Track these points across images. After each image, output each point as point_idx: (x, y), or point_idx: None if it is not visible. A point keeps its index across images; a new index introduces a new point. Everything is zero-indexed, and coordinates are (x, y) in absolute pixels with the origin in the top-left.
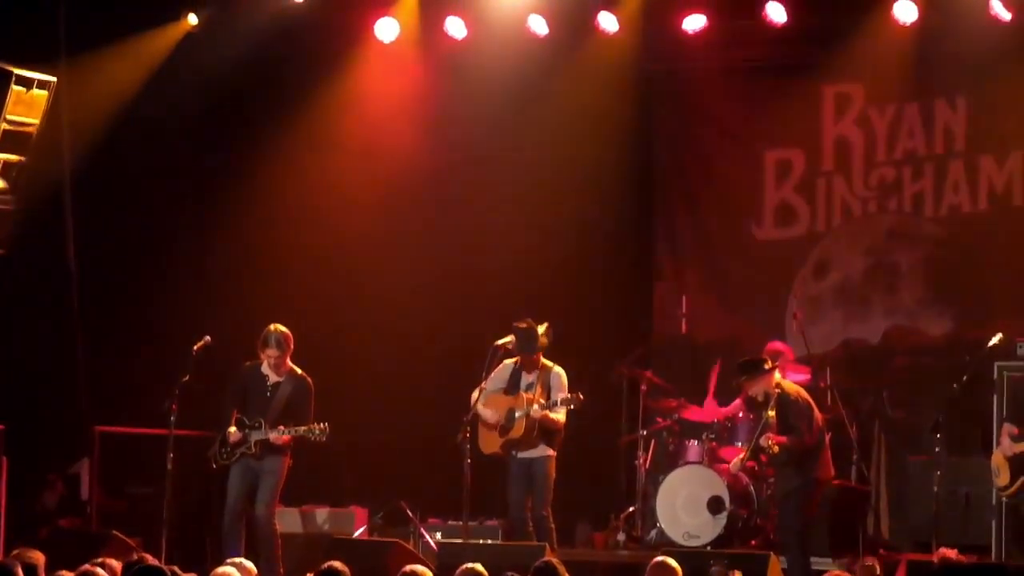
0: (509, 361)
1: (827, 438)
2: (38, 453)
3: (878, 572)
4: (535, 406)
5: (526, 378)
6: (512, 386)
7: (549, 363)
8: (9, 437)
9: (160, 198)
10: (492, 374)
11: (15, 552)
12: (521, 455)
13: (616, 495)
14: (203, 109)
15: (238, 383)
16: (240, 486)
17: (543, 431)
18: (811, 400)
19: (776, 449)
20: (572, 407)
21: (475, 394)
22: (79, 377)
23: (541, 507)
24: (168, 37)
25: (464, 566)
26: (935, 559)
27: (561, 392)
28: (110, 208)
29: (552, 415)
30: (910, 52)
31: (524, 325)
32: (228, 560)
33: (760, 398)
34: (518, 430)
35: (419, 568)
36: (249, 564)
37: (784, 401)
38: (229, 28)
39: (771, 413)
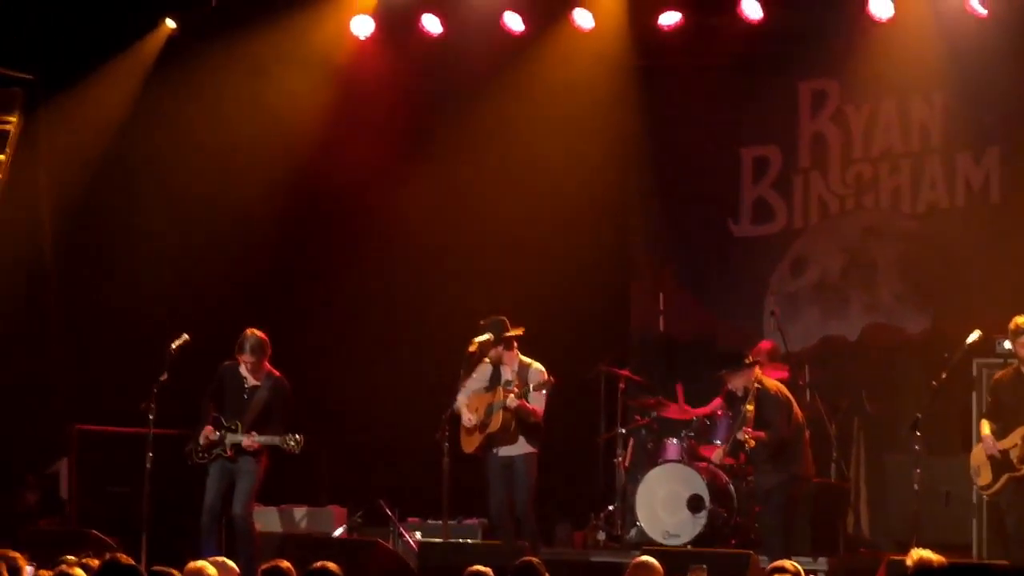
0: (487, 362)
1: (807, 435)
2: (17, 453)
3: None
4: (511, 396)
5: (505, 373)
6: (493, 382)
7: (528, 359)
8: None
9: (136, 194)
10: (474, 373)
11: None
12: (501, 452)
13: (595, 494)
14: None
15: (216, 382)
16: (217, 486)
17: (522, 424)
18: (791, 396)
19: (752, 443)
20: (545, 391)
21: (459, 395)
22: (57, 376)
23: (523, 506)
24: (150, 46)
25: (471, 568)
26: (908, 560)
27: (538, 387)
28: (87, 205)
29: (530, 404)
30: (886, 48)
31: (492, 317)
32: (210, 558)
33: (740, 392)
34: (495, 423)
35: (483, 568)
36: (231, 564)
37: (763, 396)
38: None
39: (750, 407)
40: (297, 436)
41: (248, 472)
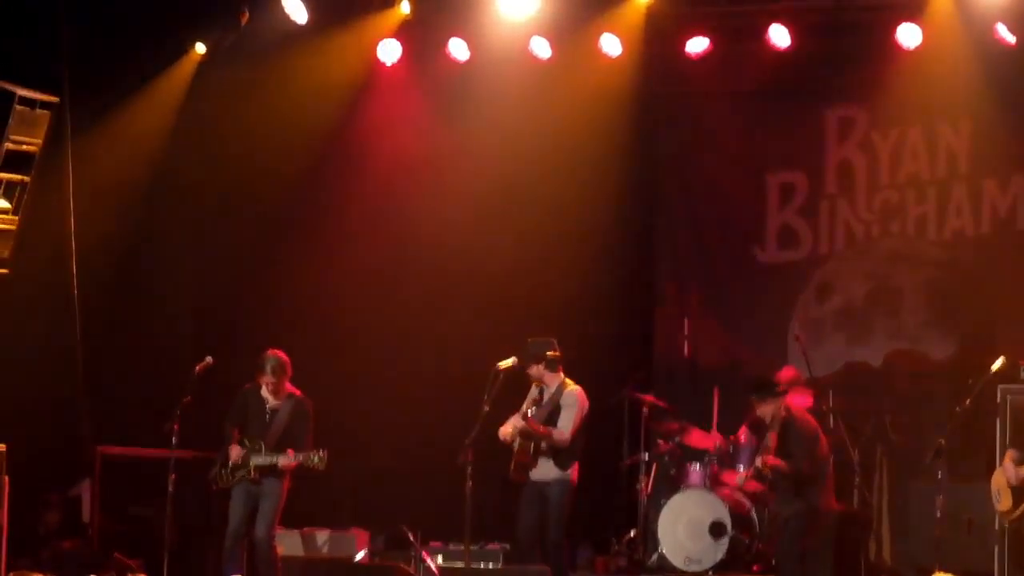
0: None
1: (831, 468)
2: (40, 474)
3: None
4: (517, 416)
5: (546, 396)
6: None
7: (570, 382)
8: (11, 457)
9: (162, 219)
10: (528, 396)
11: (12, 574)
12: (534, 477)
13: (617, 519)
14: (204, 129)
15: (239, 405)
16: (242, 509)
17: (552, 450)
18: (819, 428)
19: (767, 471)
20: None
21: (512, 419)
22: (80, 398)
23: (555, 532)
24: (181, 72)
25: None
26: None
27: (574, 410)
28: (112, 229)
29: (550, 430)
30: (914, 75)
31: (530, 339)
32: None
33: (767, 419)
34: (517, 447)
35: None
36: None
37: (788, 425)
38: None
39: (772, 435)
40: (321, 452)
41: (272, 494)
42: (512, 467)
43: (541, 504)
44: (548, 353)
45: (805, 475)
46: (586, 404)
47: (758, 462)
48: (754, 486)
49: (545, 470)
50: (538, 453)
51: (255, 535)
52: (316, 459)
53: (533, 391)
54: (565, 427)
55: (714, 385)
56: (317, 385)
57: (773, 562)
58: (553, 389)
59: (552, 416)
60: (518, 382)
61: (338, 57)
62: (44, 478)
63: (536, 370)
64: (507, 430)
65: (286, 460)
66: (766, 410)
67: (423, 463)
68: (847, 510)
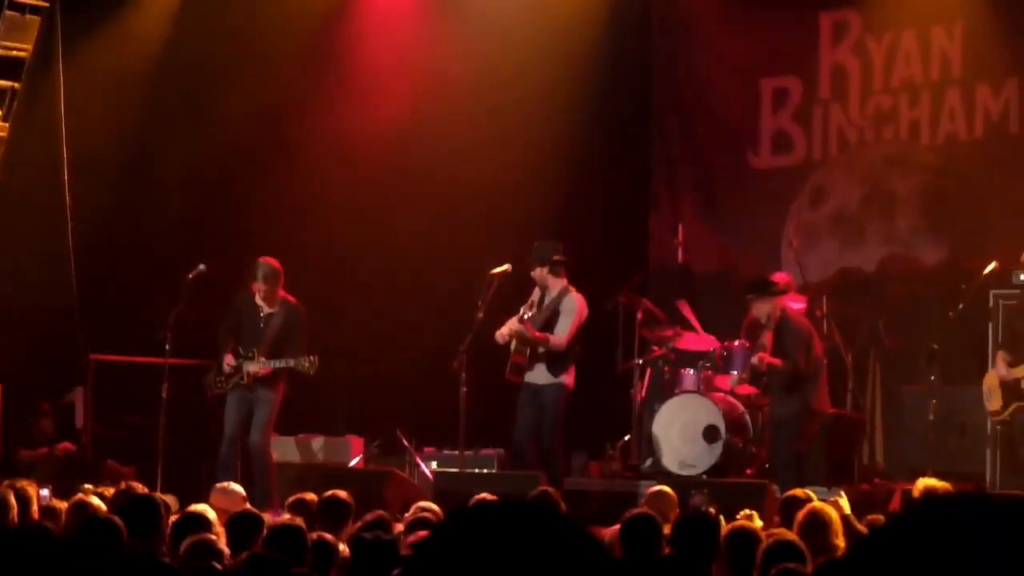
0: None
1: (825, 370)
2: (33, 382)
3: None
4: (513, 319)
5: (547, 298)
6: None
7: (572, 288)
8: (4, 366)
9: (155, 125)
10: (530, 300)
11: (6, 482)
12: (528, 379)
13: (612, 424)
14: (195, 36)
15: (233, 312)
16: (236, 416)
17: (541, 352)
18: (813, 330)
19: (764, 367)
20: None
21: (510, 321)
22: (73, 305)
23: (548, 438)
24: None
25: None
26: (915, 491)
27: (572, 316)
28: (105, 134)
29: (548, 335)
30: None
31: (537, 242)
32: (219, 484)
33: (763, 320)
34: (514, 349)
35: (491, 496)
36: (237, 487)
37: (784, 326)
38: None
39: (769, 334)
40: (312, 357)
41: (266, 400)
42: (508, 368)
43: (536, 407)
44: (554, 257)
45: (800, 374)
46: (585, 312)
47: (754, 359)
48: (746, 389)
49: (540, 374)
50: (534, 356)
51: (250, 440)
52: (307, 363)
53: (535, 294)
54: (562, 333)
55: (709, 295)
56: (311, 293)
57: (767, 464)
58: (555, 294)
59: (550, 321)
60: (519, 287)
61: None
62: (37, 386)
63: (539, 272)
64: (504, 332)
65: (257, 367)
66: (762, 309)
67: (418, 369)
68: (840, 413)
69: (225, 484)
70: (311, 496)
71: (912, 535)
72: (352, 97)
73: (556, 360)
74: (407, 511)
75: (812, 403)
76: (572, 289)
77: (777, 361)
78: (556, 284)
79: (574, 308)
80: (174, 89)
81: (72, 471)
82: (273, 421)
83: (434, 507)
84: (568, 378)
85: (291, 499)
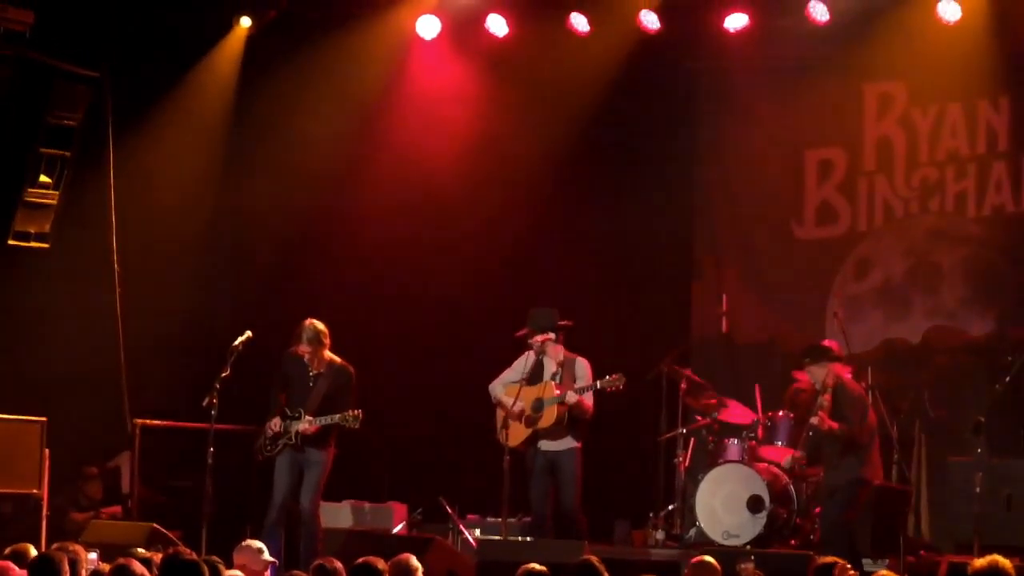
0: (530, 352)
1: (877, 440)
2: (80, 446)
3: None
4: (569, 392)
5: (550, 367)
6: (535, 376)
7: (572, 353)
8: (52, 430)
9: (200, 192)
10: (513, 365)
11: (57, 545)
12: (545, 447)
13: (655, 493)
14: (248, 103)
15: (282, 372)
16: (286, 480)
17: (572, 420)
18: (867, 398)
19: (825, 427)
20: (611, 390)
21: (494, 386)
22: (120, 371)
23: (570, 502)
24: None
25: (526, 566)
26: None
27: (586, 380)
28: (152, 203)
29: (587, 401)
30: (953, 51)
31: (533, 309)
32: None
33: (817, 385)
34: (547, 419)
35: (539, 567)
36: (258, 544)
37: (840, 392)
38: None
39: (827, 398)
40: (356, 412)
41: (316, 463)
42: (526, 437)
43: (551, 474)
44: (559, 323)
45: (856, 440)
46: (619, 378)
47: (814, 420)
48: (803, 461)
49: (560, 440)
50: (559, 424)
51: (300, 505)
52: (351, 418)
53: (528, 360)
54: (589, 399)
55: (752, 366)
56: (357, 357)
57: (812, 536)
58: (558, 360)
59: (583, 391)
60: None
61: (378, 32)
62: (84, 450)
63: (541, 340)
64: (521, 404)
65: (304, 426)
66: (818, 374)
67: (462, 436)
68: (886, 485)
69: (248, 542)
70: (336, 564)
71: None
72: (392, 163)
73: (578, 425)
74: None
75: (865, 472)
76: (573, 353)
77: (835, 425)
78: (556, 351)
79: (587, 373)
80: (220, 160)
81: (118, 535)
82: (324, 484)
83: None
84: (582, 441)
85: (315, 563)
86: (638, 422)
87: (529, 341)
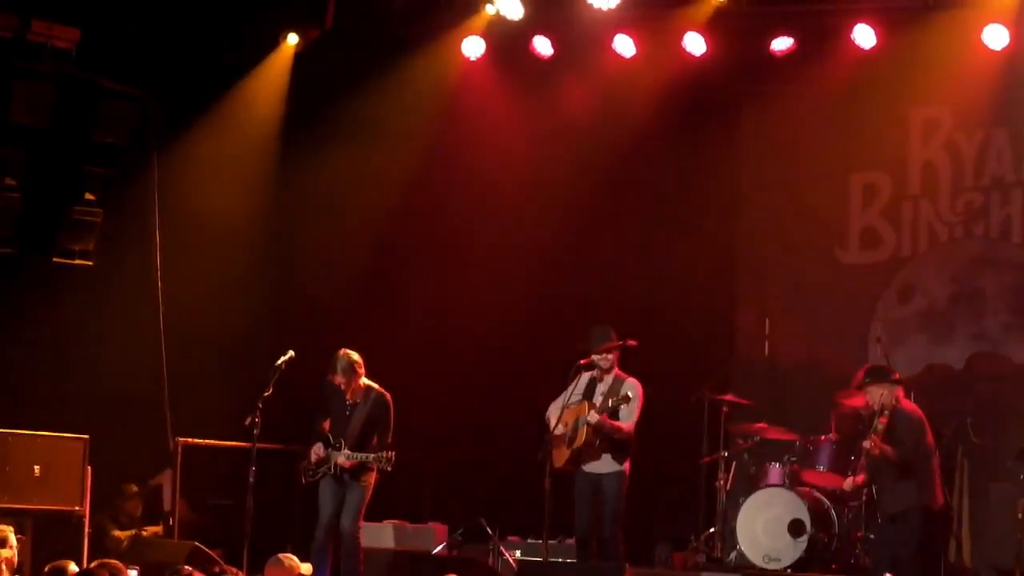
0: (588, 373)
1: (937, 462)
2: (122, 464)
3: None
4: (592, 412)
5: (600, 388)
6: (587, 396)
7: (624, 374)
8: (94, 448)
9: (243, 213)
10: (570, 387)
11: (98, 562)
12: (588, 469)
13: (696, 516)
14: (299, 127)
15: (323, 400)
16: (331, 501)
17: (608, 441)
18: (926, 420)
19: (877, 452)
20: (638, 407)
21: (551, 408)
22: (162, 389)
23: (610, 526)
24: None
25: None
26: None
27: (633, 401)
28: (196, 222)
29: (618, 420)
30: (999, 77)
31: (595, 327)
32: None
33: (876, 406)
34: (580, 438)
35: None
36: (293, 558)
37: (899, 414)
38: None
39: (883, 421)
40: (388, 454)
41: (358, 488)
42: (568, 457)
43: (596, 496)
44: (619, 342)
45: (911, 463)
46: (642, 396)
47: (866, 443)
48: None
49: (604, 463)
50: (602, 446)
51: (341, 526)
52: (384, 461)
53: (581, 382)
54: (629, 420)
55: (794, 384)
56: (397, 379)
57: (853, 561)
58: (610, 379)
59: (616, 408)
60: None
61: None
62: (127, 468)
63: (603, 359)
64: (563, 425)
65: (343, 460)
66: (877, 394)
67: (503, 457)
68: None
69: (279, 556)
70: None
71: None
72: (438, 189)
73: (621, 448)
74: None
75: (926, 497)
76: (625, 374)
77: (889, 449)
78: (611, 370)
79: (638, 394)
80: (266, 180)
81: (159, 553)
82: (365, 507)
83: None
84: (628, 465)
85: None
86: (680, 445)
87: (593, 358)
